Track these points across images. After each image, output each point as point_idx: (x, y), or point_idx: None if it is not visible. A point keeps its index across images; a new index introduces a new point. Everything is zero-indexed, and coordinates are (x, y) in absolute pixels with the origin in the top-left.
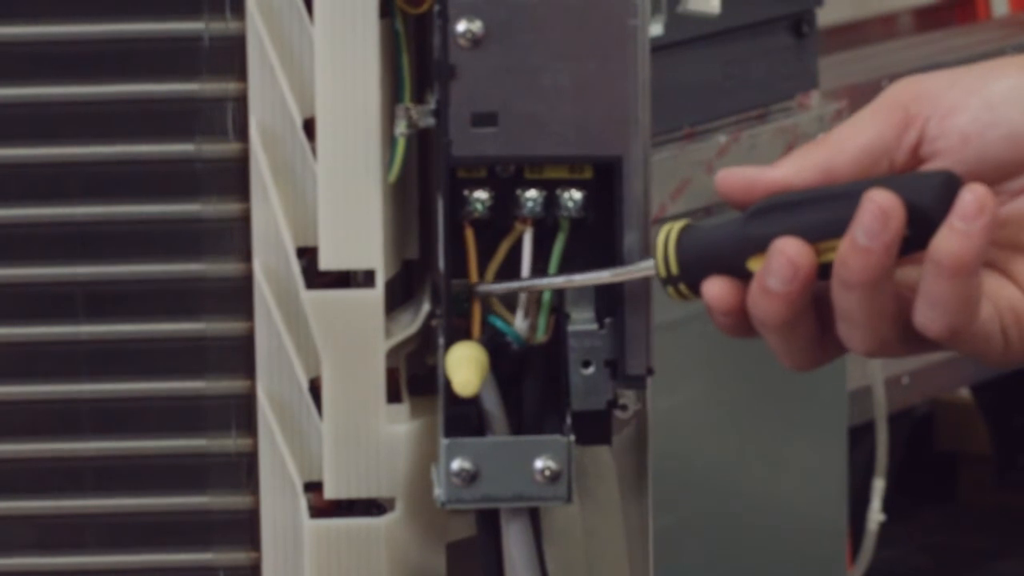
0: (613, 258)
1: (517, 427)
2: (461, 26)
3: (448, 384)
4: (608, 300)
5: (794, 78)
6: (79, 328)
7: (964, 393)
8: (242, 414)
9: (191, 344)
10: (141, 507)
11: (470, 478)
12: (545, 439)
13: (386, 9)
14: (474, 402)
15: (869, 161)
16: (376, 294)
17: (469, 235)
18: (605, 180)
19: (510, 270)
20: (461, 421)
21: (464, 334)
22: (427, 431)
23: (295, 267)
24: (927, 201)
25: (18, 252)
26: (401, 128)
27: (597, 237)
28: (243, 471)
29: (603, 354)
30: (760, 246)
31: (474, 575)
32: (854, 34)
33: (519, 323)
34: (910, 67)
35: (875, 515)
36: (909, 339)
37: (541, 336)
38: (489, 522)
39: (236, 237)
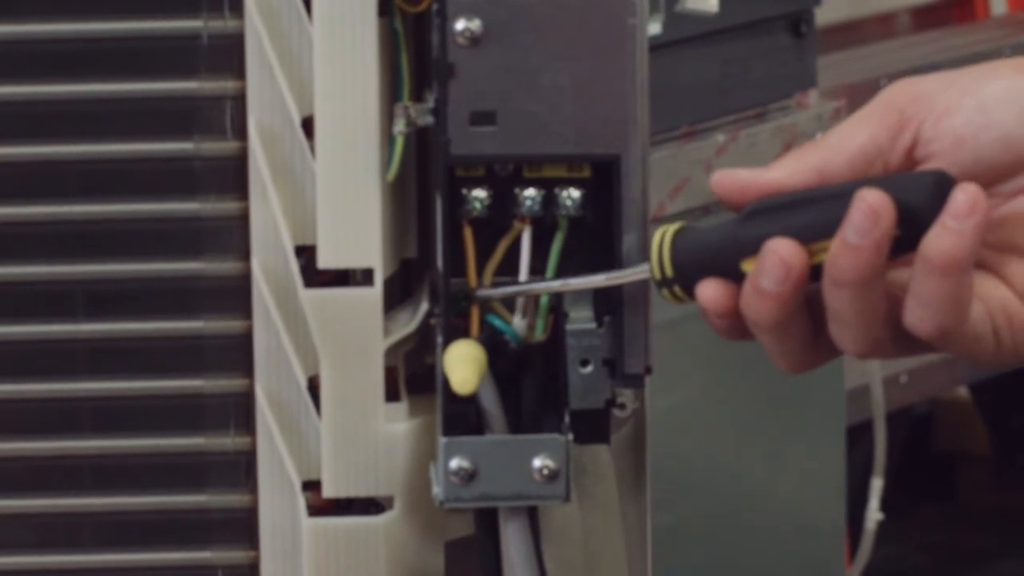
0: (612, 257)
1: (515, 426)
2: (460, 25)
3: (446, 383)
4: (607, 299)
5: (792, 77)
6: (78, 327)
7: (963, 392)
8: (240, 413)
9: (190, 343)
10: (140, 506)
11: (468, 477)
12: (543, 438)
13: (385, 8)
14: (472, 401)
15: (864, 163)
16: (375, 293)
17: (467, 234)
18: (604, 179)
19: (509, 269)
20: (459, 420)
21: (462, 333)
22: (425, 430)
23: (294, 266)
24: (919, 200)
25: (17, 251)
26: (400, 127)
27: (596, 236)
28: (241, 470)
29: (601, 353)
30: (753, 248)
31: (472, 574)
32: (852, 33)
33: (517, 322)
34: (908, 66)
35: (873, 514)
36: (901, 340)
37: (539, 335)
38: (487, 521)
39: (235, 236)
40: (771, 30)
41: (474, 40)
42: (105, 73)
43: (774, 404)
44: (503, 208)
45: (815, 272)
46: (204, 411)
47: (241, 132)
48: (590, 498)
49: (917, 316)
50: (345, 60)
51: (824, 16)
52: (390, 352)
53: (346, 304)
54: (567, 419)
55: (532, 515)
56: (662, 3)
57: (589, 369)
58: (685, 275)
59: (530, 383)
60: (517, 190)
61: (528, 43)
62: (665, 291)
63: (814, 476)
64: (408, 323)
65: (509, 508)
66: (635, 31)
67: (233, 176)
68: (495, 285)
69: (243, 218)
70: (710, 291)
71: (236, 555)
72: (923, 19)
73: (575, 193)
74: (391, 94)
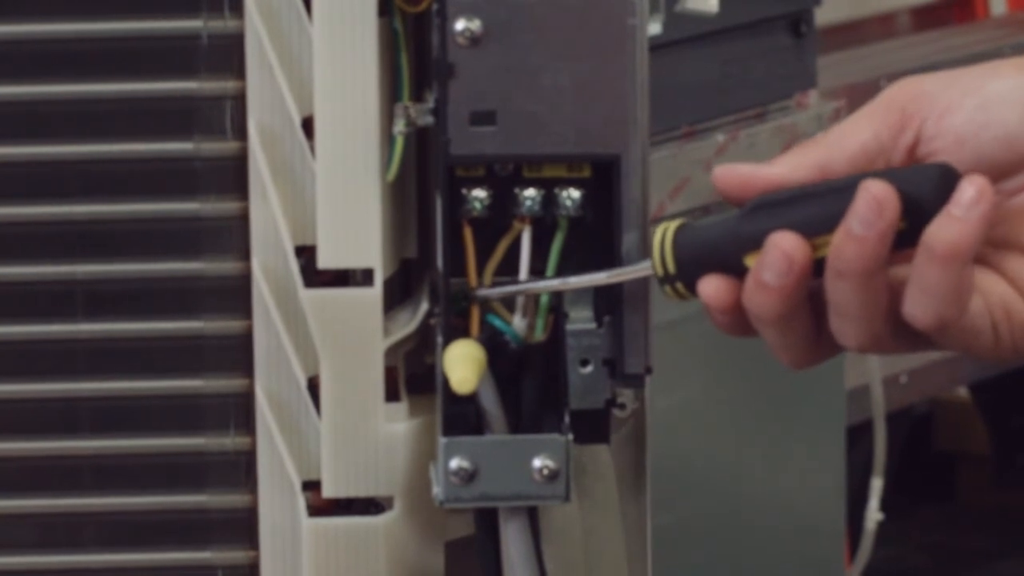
0: (611, 257)
1: (515, 426)
2: (460, 25)
3: (446, 383)
4: (607, 299)
5: (792, 77)
6: (78, 327)
7: (963, 392)
8: (240, 413)
9: (189, 343)
10: (139, 506)
11: (468, 477)
12: (543, 438)
13: (385, 8)
14: (472, 401)
15: (865, 160)
16: (374, 293)
17: (467, 234)
18: (604, 179)
19: (508, 269)
20: (459, 420)
21: (462, 333)
22: (425, 430)
23: (293, 266)
24: (923, 192)
25: (17, 251)
26: (400, 127)
27: (596, 236)
28: (241, 470)
29: (601, 353)
30: (756, 243)
31: (472, 574)
32: (852, 33)
33: (517, 322)
34: (908, 66)
35: (873, 514)
36: (901, 335)
37: (539, 335)
38: (487, 521)
39: (235, 236)
40: (771, 30)
41: (474, 40)
42: (105, 73)
43: (774, 404)
44: (503, 208)
45: (818, 267)
46: (204, 411)
47: (241, 132)
48: (590, 498)
49: (917, 305)
50: (345, 60)
51: (824, 16)
52: (390, 352)
53: (346, 304)
54: (567, 419)
55: (532, 515)
56: (662, 3)
57: (589, 369)
58: (687, 271)
59: (530, 383)
60: (517, 190)
61: (528, 43)
62: (667, 288)
63: (814, 476)
64: (408, 323)
65: (509, 508)
66: (635, 31)
67: (233, 176)
68: (495, 285)
69: (243, 218)
70: (712, 287)
71: (236, 555)
72: (923, 19)
73: (575, 193)
74: (391, 94)
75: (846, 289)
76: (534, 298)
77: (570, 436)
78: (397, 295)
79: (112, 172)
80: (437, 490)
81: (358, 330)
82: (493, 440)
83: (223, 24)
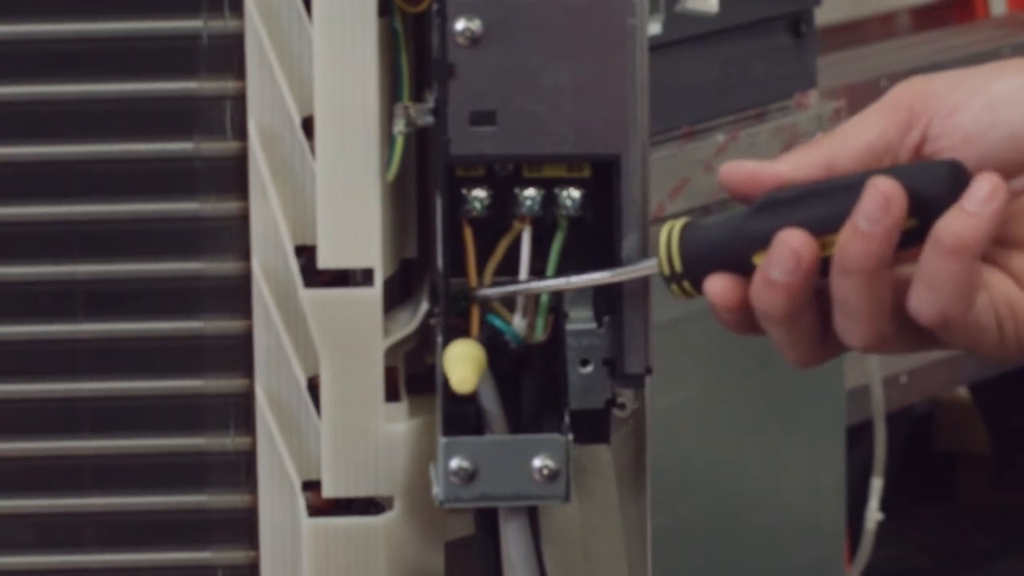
0: (611, 257)
1: (515, 426)
2: (460, 24)
3: (446, 383)
4: (607, 299)
5: (792, 77)
6: (78, 327)
7: (963, 392)
8: (240, 413)
9: (189, 343)
10: (139, 506)
11: (468, 477)
12: (543, 438)
13: (385, 7)
14: (472, 401)
15: (872, 159)
16: (374, 293)
17: (467, 234)
18: (604, 179)
19: (509, 269)
20: (459, 420)
21: (462, 333)
22: (425, 430)
23: (293, 266)
24: (932, 189)
25: (17, 251)
26: (400, 127)
27: (595, 236)
28: (241, 470)
29: (601, 353)
30: (764, 241)
31: (472, 574)
32: (852, 33)
33: (517, 322)
34: (908, 66)
35: (873, 514)
36: (906, 335)
37: (539, 335)
38: (487, 521)
39: (235, 236)
40: (771, 30)
41: (474, 40)
42: (105, 73)
43: (774, 404)
44: (503, 208)
45: (825, 267)
46: (204, 411)
47: (241, 132)
48: (590, 498)
49: (922, 300)
50: (345, 60)
51: (824, 16)
52: (390, 352)
53: (346, 304)
54: (567, 419)
55: (532, 515)
56: (662, 3)
57: (589, 369)
58: (694, 270)
59: (530, 383)
60: (517, 190)
61: (528, 43)
62: (674, 287)
63: (814, 476)
64: (408, 323)
65: (509, 508)
66: (635, 31)
67: (233, 176)
68: (495, 285)
69: (243, 218)
70: (719, 285)
71: (236, 555)
72: (923, 19)
73: (575, 193)
74: (391, 94)
75: (851, 286)
76: (534, 298)
77: (570, 436)
78: (397, 295)
79: (112, 172)
80: (437, 490)
81: (358, 330)
82: (493, 440)
83: (223, 24)
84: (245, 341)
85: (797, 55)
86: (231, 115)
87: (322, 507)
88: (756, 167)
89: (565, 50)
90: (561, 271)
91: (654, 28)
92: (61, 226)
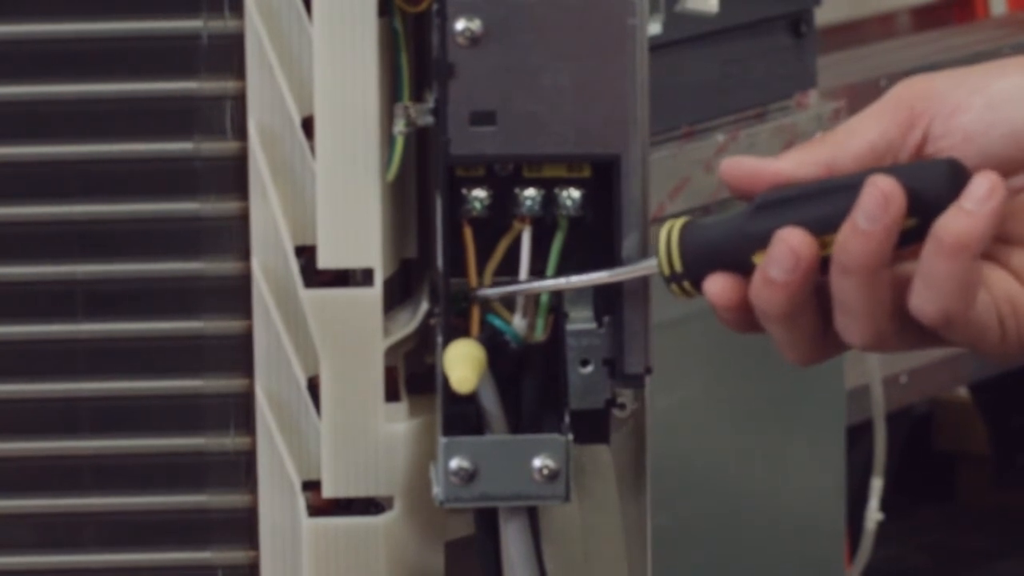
0: (611, 257)
1: (515, 426)
2: (460, 24)
3: (446, 383)
4: (607, 299)
5: (792, 77)
6: (78, 327)
7: (963, 392)
8: (240, 413)
9: (189, 343)
10: (139, 506)
11: (468, 477)
12: (543, 438)
13: (385, 7)
14: (472, 401)
15: (873, 158)
16: (374, 293)
17: (467, 234)
18: (604, 179)
19: (509, 269)
20: (459, 420)
21: (463, 333)
22: (425, 430)
23: (293, 266)
24: (932, 188)
25: (17, 251)
26: (400, 127)
27: (596, 236)
28: (241, 470)
29: (601, 353)
30: (763, 241)
31: (472, 574)
32: (852, 33)
33: (517, 322)
34: (908, 66)
35: (873, 514)
36: (906, 333)
37: (539, 335)
38: (487, 521)
39: (235, 236)
40: (771, 30)
41: (474, 40)
42: (105, 73)
43: (774, 404)
44: (503, 208)
45: (825, 266)
46: (204, 411)
47: (241, 132)
48: (590, 498)
49: (923, 299)
50: (345, 60)
51: (824, 16)
52: (390, 352)
53: (346, 304)
54: (567, 419)
55: (532, 515)
56: (662, 3)
57: (589, 369)
58: (694, 269)
59: (530, 383)
60: (517, 190)
61: (528, 43)
62: (674, 286)
63: (814, 476)
64: (408, 323)
65: (509, 508)
66: (635, 31)
67: (233, 176)
68: (495, 285)
69: (243, 218)
70: (718, 285)
71: (236, 555)
72: (923, 19)
73: (575, 193)
74: (391, 94)
75: (851, 285)
76: (534, 298)
77: (570, 436)
78: (397, 295)
79: (112, 172)
80: (437, 490)
81: (358, 330)
82: (493, 440)
83: (223, 24)
84: (245, 341)
85: (797, 55)
86: (231, 115)
87: (322, 507)
88: (757, 164)
89: (565, 50)
90: (561, 271)
91: (654, 28)
92: (61, 226)
